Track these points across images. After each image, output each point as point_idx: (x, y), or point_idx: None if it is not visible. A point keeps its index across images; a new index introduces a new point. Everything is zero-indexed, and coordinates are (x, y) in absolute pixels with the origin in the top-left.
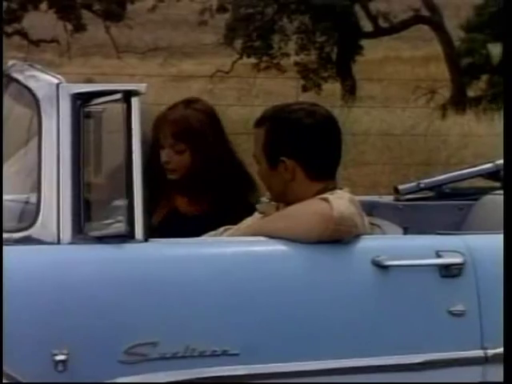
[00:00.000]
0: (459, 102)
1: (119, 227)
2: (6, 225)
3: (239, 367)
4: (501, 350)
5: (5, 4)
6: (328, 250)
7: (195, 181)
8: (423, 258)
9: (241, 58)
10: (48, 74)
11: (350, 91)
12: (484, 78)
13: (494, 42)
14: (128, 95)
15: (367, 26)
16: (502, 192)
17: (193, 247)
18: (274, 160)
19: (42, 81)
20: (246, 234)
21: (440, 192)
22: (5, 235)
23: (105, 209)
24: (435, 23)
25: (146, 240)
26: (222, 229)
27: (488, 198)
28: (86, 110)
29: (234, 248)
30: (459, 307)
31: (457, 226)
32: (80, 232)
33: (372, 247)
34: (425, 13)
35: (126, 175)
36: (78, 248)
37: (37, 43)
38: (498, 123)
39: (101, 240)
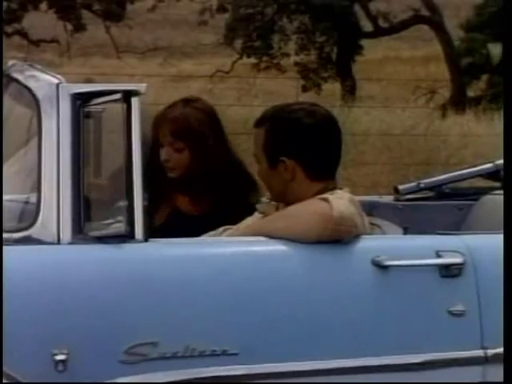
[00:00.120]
0: (459, 101)
1: (119, 227)
2: (5, 225)
3: (239, 367)
4: (501, 349)
5: (5, 4)
6: (328, 250)
7: (195, 179)
8: (423, 257)
9: (241, 58)
10: (48, 73)
11: (350, 91)
12: (484, 77)
13: (493, 41)
14: (128, 95)
15: (367, 25)
16: (501, 192)
17: (192, 247)
18: (273, 160)
19: (41, 81)
20: (245, 234)
21: (440, 192)
22: (5, 235)
23: (105, 209)
24: (435, 23)
25: (145, 240)
26: (221, 229)
27: (488, 198)
28: (86, 109)
29: (234, 248)
30: (459, 307)
31: (457, 226)
32: (80, 232)
33: (372, 247)
34: (425, 13)
35: (126, 175)
36: (77, 248)
37: (37, 43)
38: (497, 123)
39: (101, 240)
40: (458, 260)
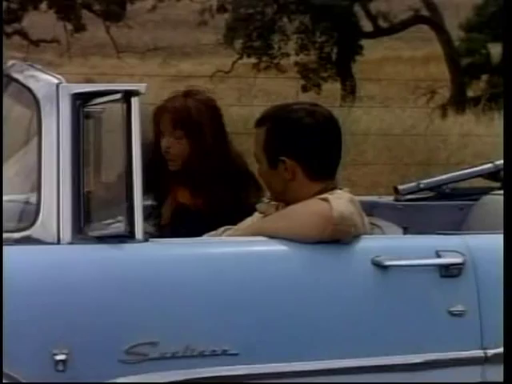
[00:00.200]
0: (459, 102)
1: (119, 227)
2: (6, 225)
3: (238, 367)
4: (501, 349)
5: (5, 4)
6: (328, 250)
7: (194, 171)
8: (423, 258)
9: (241, 58)
10: (48, 73)
11: (350, 91)
12: (484, 78)
13: (493, 41)
14: (128, 95)
15: (367, 25)
16: (501, 192)
17: (192, 247)
18: (274, 160)
19: (41, 81)
20: (245, 233)
21: (440, 192)
22: (5, 235)
23: (105, 209)
24: (435, 23)
25: (145, 240)
26: (221, 229)
27: (488, 198)
28: (86, 109)
29: (234, 248)
30: (459, 307)
31: (457, 226)
32: (80, 232)
33: (372, 247)
34: (425, 13)
35: (126, 175)
36: (77, 248)
37: (37, 43)
38: (497, 123)
39: (101, 240)
40: (458, 260)
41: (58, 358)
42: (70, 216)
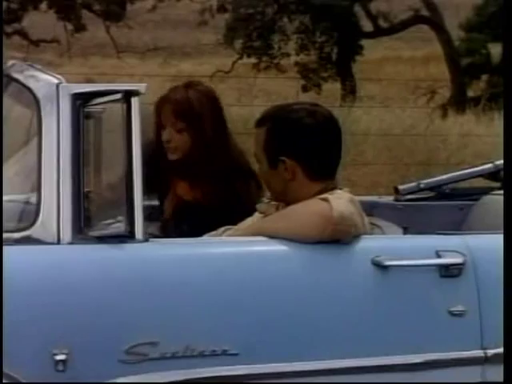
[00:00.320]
0: (459, 101)
1: (119, 227)
2: (6, 225)
3: (238, 367)
4: (501, 350)
5: (5, 4)
6: (328, 250)
7: (195, 163)
8: (423, 258)
9: (241, 58)
10: (48, 73)
11: (350, 91)
12: (484, 78)
13: (493, 41)
14: (128, 95)
15: (367, 25)
16: (501, 192)
17: (193, 247)
18: (274, 159)
19: (42, 81)
20: (246, 234)
21: (440, 192)
22: (5, 235)
23: (105, 209)
24: (435, 23)
25: (146, 240)
26: (222, 229)
27: (488, 198)
28: (86, 109)
29: (234, 248)
30: (459, 307)
31: (457, 226)
32: (80, 232)
33: (372, 247)
34: (425, 13)
35: (126, 175)
36: (77, 248)
37: (37, 43)
38: (497, 123)
39: (101, 240)
40: (458, 260)
41: (58, 358)
42: (70, 216)
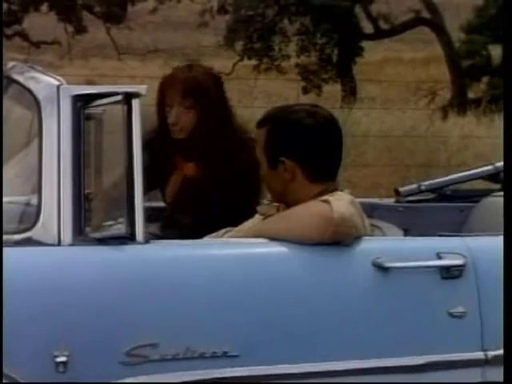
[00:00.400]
0: (459, 103)
1: (120, 229)
2: (6, 226)
3: (239, 369)
4: (501, 351)
5: (5, 5)
6: (329, 252)
7: (201, 141)
8: (424, 259)
9: (241, 59)
10: (48, 75)
11: (351, 93)
12: (484, 79)
13: (494, 43)
14: (129, 97)
15: (368, 27)
16: (502, 194)
17: (193, 249)
18: (274, 160)
19: (42, 82)
20: (246, 235)
21: (441, 194)
22: (5, 237)
23: (105, 210)
24: (435, 25)
25: (146, 241)
26: (223, 230)
27: (488, 199)
28: (87, 111)
29: (235, 249)
30: (460, 309)
31: (457, 228)
32: (80, 233)
33: (373, 249)
34: (425, 14)
35: (127, 177)
36: (78, 249)
37: (37, 45)
38: (498, 125)
39: (101, 241)
40: (458, 262)
41: (59, 359)
42: (70, 217)
